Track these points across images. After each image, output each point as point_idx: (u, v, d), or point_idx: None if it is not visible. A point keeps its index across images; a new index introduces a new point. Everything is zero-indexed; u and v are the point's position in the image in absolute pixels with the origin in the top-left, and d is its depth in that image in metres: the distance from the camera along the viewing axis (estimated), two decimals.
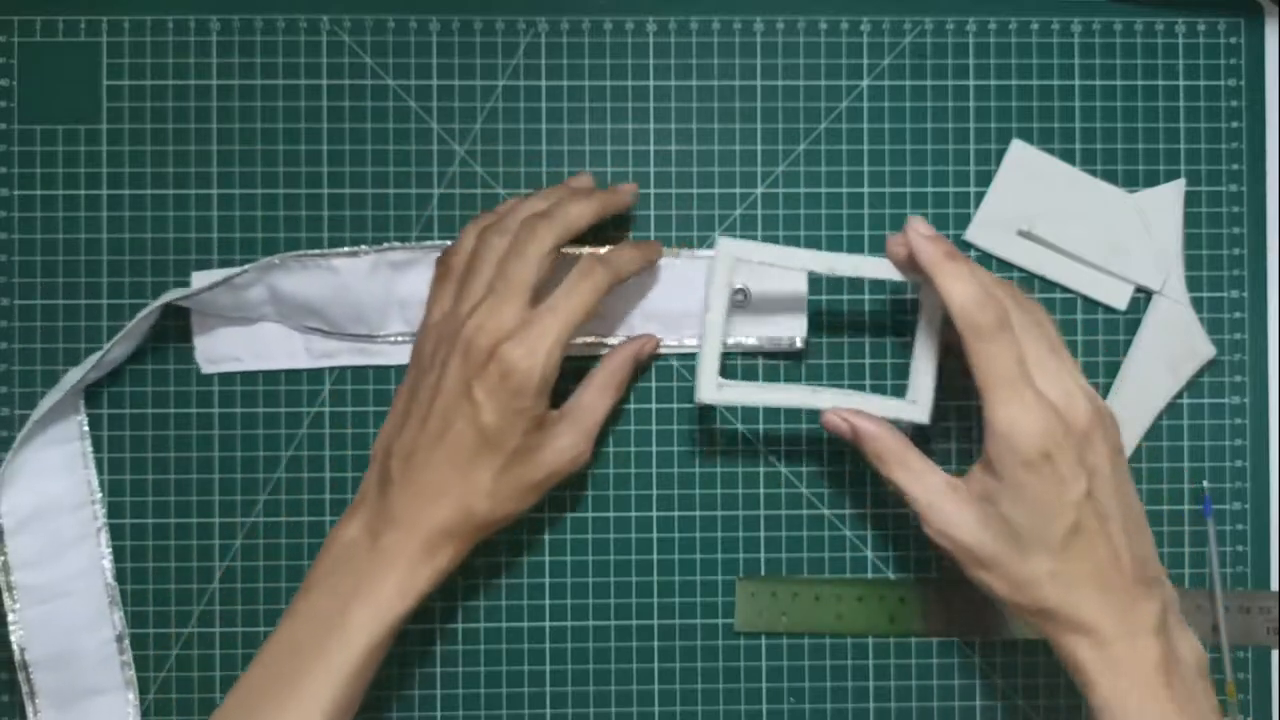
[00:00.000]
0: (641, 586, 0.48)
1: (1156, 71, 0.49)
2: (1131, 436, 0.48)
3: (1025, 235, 0.48)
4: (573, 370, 0.45)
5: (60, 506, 0.46)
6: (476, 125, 0.48)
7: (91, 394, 0.47)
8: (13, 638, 0.45)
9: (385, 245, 0.47)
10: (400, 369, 0.48)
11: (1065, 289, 0.49)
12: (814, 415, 0.48)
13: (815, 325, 0.48)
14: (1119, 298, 0.49)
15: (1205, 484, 0.49)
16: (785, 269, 0.44)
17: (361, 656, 0.40)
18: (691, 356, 0.48)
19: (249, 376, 0.48)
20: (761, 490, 0.48)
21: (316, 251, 0.46)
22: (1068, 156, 0.49)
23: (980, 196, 0.49)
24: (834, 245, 0.48)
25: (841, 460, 0.48)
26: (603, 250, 0.45)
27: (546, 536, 0.48)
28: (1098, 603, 0.38)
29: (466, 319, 0.41)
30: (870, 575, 0.49)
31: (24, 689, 0.45)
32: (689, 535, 0.48)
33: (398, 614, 0.41)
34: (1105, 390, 0.49)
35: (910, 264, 0.41)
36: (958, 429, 0.48)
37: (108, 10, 0.48)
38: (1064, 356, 0.40)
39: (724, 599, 0.48)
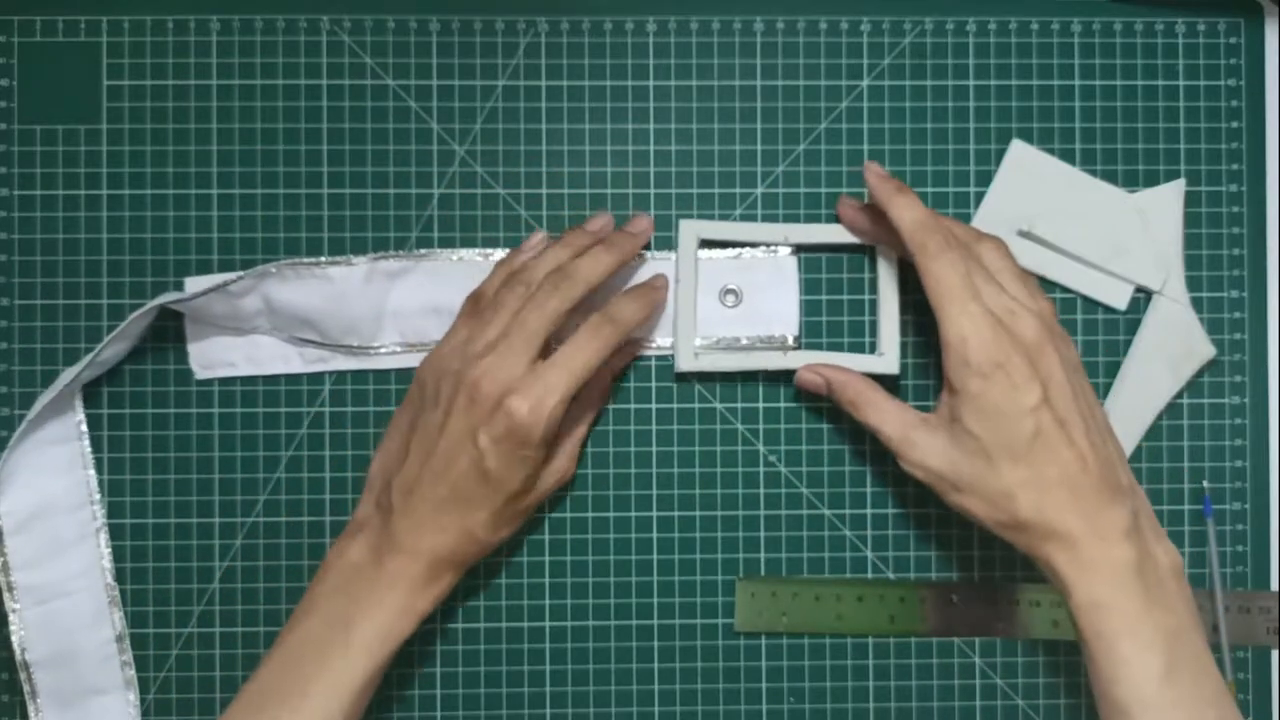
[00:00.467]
0: (641, 586, 0.48)
1: (1156, 71, 0.49)
2: (1131, 436, 0.48)
3: (1025, 235, 0.48)
4: None
5: (60, 506, 0.46)
6: (476, 125, 0.48)
7: (91, 394, 0.47)
8: (13, 638, 0.45)
9: (379, 254, 0.47)
10: (398, 373, 0.48)
11: (1065, 289, 0.49)
12: (814, 416, 0.48)
13: (808, 324, 0.48)
14: (1119, 298, 0.49)
15: (1205, 484, 0.49)
16: (749, 245, 0.47)
17: (365, 675, 0.41)
18: None
19: (249, 377, 0.48)
20: (761, 490, 0.48)
21: (310, 260, 0.46)
22: (1068, 156, 0.49)
23: (980, 196, 0.49)
24: None
25: (841, 460, 0.48)
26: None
27: (546, 536, 0.48)
28: (1068, 508, 0.40)
29: (475, 360, 0.41)
30: (870, 575, 0.49)
31: (24, 689, 0.45)
32: (689, 535, 0.48)
33: (400, 634, 0.42)
34: (1105, 390, 0.49)
35: (857, 224, 0.46)
36: (935, 387, 0.48)
37: (108, 10, 0.48)
38: (1013, 277, 0.42)
39: (724, 599, 0.48)
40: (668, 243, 0.48)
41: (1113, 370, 0.49)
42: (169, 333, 0.48)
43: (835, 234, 0.48)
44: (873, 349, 0.48)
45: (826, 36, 0.49)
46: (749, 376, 0.48)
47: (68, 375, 0.45)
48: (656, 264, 0.48)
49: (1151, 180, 0.49)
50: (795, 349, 0.48)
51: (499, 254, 0.47)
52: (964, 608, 0.48)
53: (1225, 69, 0.49)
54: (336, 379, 0.48)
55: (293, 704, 0.40)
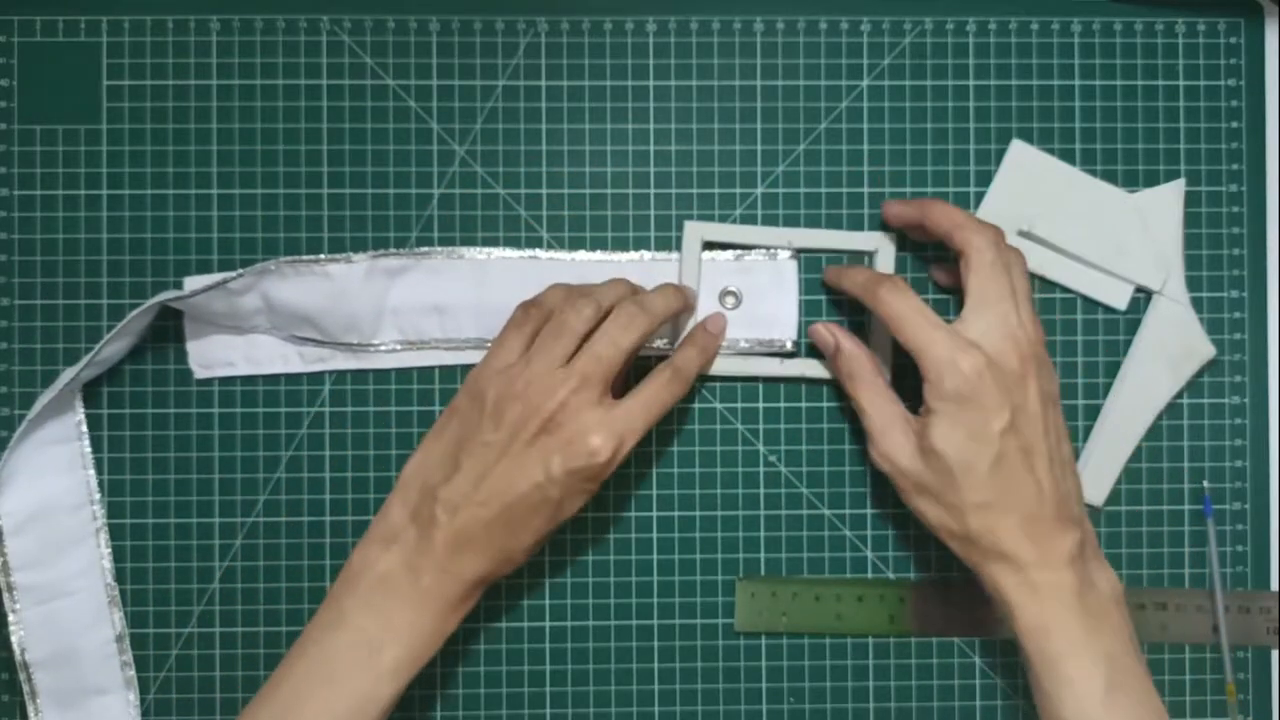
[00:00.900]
0: (641, 586, 0.48)
1: (1156, 71, 0.49)
2: (1131, 436, 0.48)
3: (1025, 235, 0.48)
4: None
5: (60, 506, 0.46)
6: (476, 125, 0.48)
7: (91, 394, 0.47)
8: (13, 638, 0.45)
9: (379, 252, 0.47)
10: (398, 373, 0.48)
11: (1065, 289, 0.49)
12: (814, 415, 0.48)
13: (806, 326, 0.48)
14: (1119, 298, 0.49)
15: (1205, 484, 0.49)
16: (752, 248, 0.47)
17: (391, 699, 0.41)
18: None
19: (249, 377, 0.48)
20: (761, 490, 0.48)
21: (310, 258, 0.46)
22: (1068, 156, 0.49)
23: (980, 196, 0.49)
24: None
25: (841, 460, 0.48)
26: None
27: None
28: (1019, 533, 0.41)
29: (548, 391, 0.41)
30: (870, 575, 0.49)
31: (24, 689, 0.45)
32: (689, 535, 0.48)
33: (428, 657, 0.42)
34: (1105, 390, 0.49)
35: (906, 217, 0.46)
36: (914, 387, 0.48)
37: (108, 10, 0.48)
38: (1021, 298, 0.42)
39: (724, 599, 0.48)
40: (668, 243, 0.48)
41: (1113, 370, 0.49)
42: (169, 332, 0.48)
43: (838, 239, 0.48)
44: None
45: (826, 36, 0.49)
46: (749, 377, 0.48)
47: (68, 375, 0.45)
48: (657, 265, 0.48)
49: (1151, 180, 0.49)
50: (793, 355, 0.48)
51: (499, 253, 0.48)
52: (964, 608, 0.48)
53: (1225, 69, 0.49)
54: (336, 379, 0.48)
55: (315, 717, 0.40)
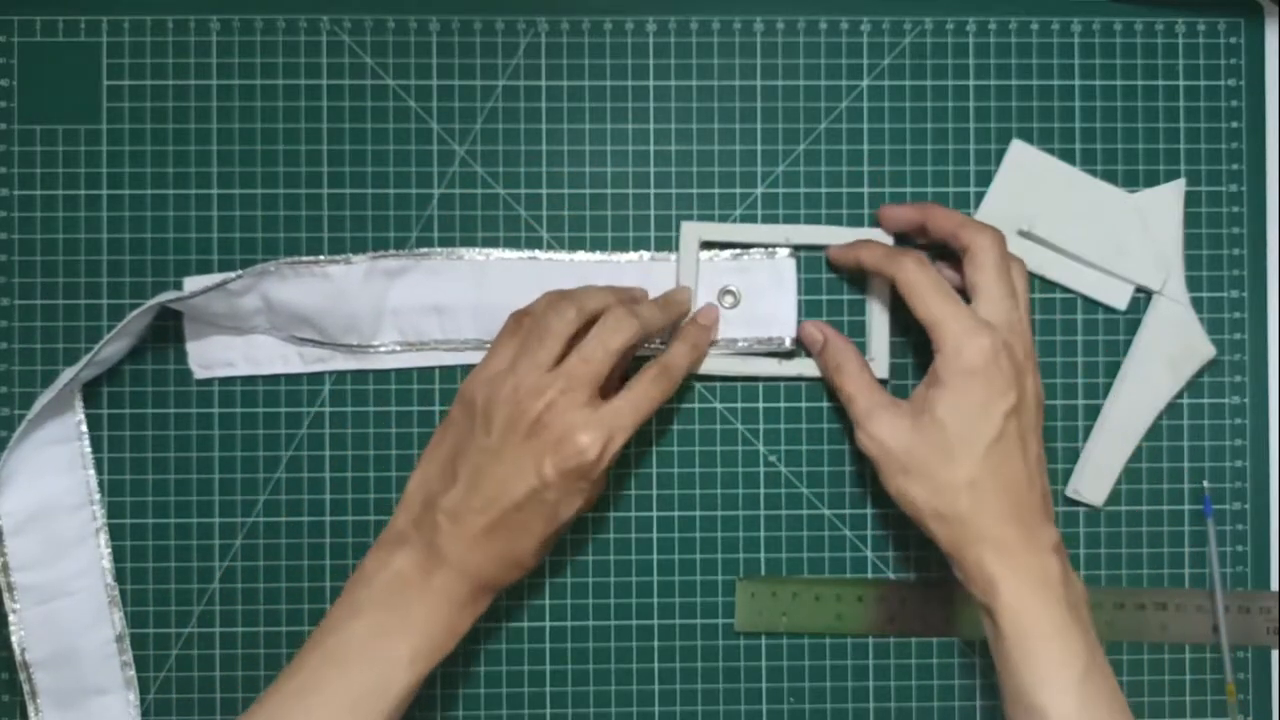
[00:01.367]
0: (641, 586, 0.48)
1: (1156, 71, 0.49)
2: (1132, 436, 0.48)
3: (1025, 235, 0.48)
4: None
5: (60, 506, 0.46)
6: (476, 125, 0.48)
7: (91, 394, 0.47)
8: (13, 638, 0.45)
9: (379, 253, 0.47)
10: (398, 373, 0.48)
11: (1065, 289, 0.49)
12: (814, 415, 0.48)
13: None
14: (1119, 298, 0.49)
15: (1205, 484, 0.49)
16: (750, 247, 0.47)
17: (406, 688, 0.41)
18: None
19: (248, 377, 0.48)
20: (761, 490, 0.48)
21: (310, 259, 0.46)
22: (1068, 156, 0.49)
23: (980, 196, 0.49)
24: None
25: (841, 460, 0.48)
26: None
27: None
28: (1006, 516, 0.41)
29: (536, 393, 0.41)
30: (870, 575, 0.49)
31: (24, 689, 0.45)
32: (689, 535, 0.48)
33: (442, 653, 0.42)
34: (1105, 390, 0.49)
35: (900, 219, 0.47)
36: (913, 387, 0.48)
37: (108, 10, 0.48)
38: (1021, 299, 0.43)
39: (724, 599, 0.48)
40: (668, 243, 0.48)
41: (1113, 370, 0.49)
42: (169, 332, 0.48)
43: (836, 236, 0.48)
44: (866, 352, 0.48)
45: (826, 36, 0.49)
46: (749, 377, 0.48)
47: (67, 375, 0.45)
48: (657, 265, 0.48)
49: (1151, 180, 0.49)
50: (792, 355, 0.48)
51: (498, 254, 0.48)
52: (964, 608, 0.48)
53: (1225, 69, 0.49)
54: (336, 379, 0.48)
55: (332, 701, 0.40)
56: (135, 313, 0.45)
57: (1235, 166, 0.49)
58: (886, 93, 0.49)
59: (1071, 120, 0.49)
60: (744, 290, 0.48)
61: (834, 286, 0.49)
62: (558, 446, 0.41)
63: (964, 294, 0.43)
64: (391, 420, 0.48)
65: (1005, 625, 0.40)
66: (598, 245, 0.48)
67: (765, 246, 0.48)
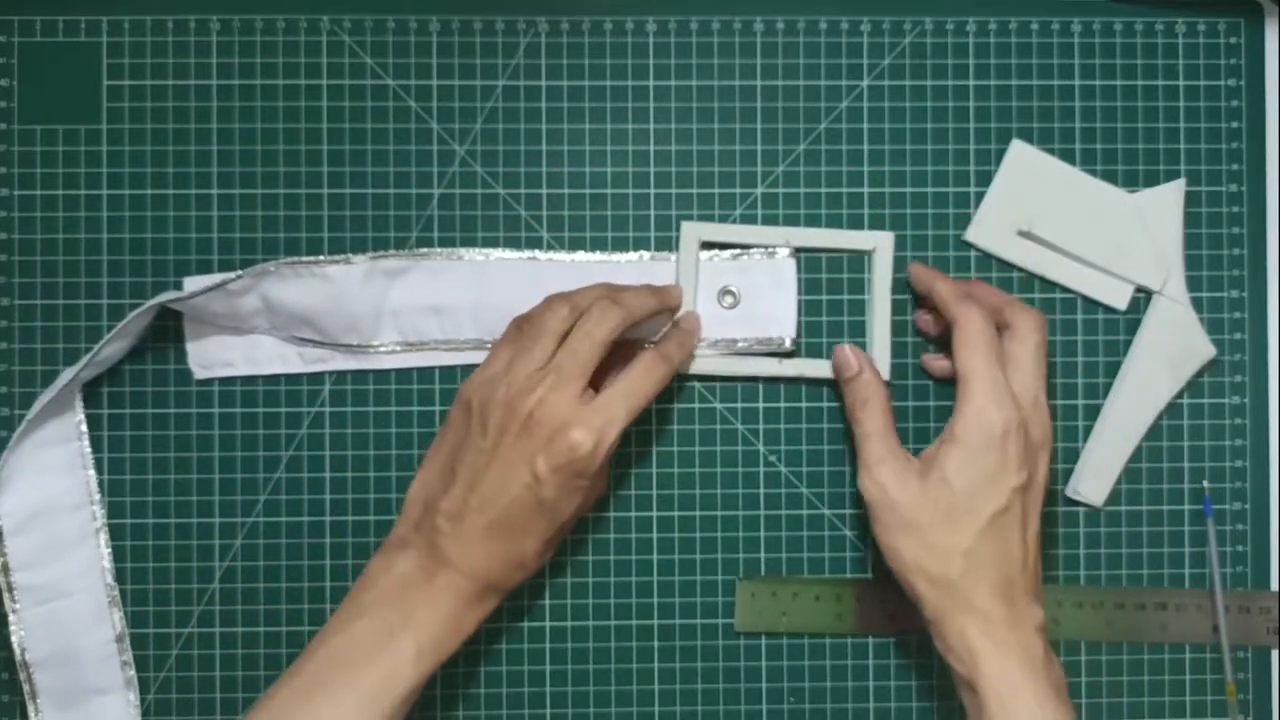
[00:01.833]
0: (641, 586, 0.48)
1: (1156, 71, 0.49)
2: (1132, 436, 0.48)
3: (1025, 235, 0.48)
4: None
5: (60, 506, 0.46)
6: (476, 125, 0.48)
7: (91, 394, 0.47)
8: (13, 638, 0.45)
9: (379, 253, 0.47)
10: (398, 373, 0.48)
11: (1065, 289, 0.49)
12: (814, 415, 0.48)
13: (805, 325, 0.48)
14: (1119, 298, 0.49)
15: (1205, 484, 0.49)
16: (750, 248, 0.47)
17: (410, 685, 0.41)
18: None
19: (248, 377, 0.48)
20: (761, 490, 0.48)
21: (310, 259, 0.46)
22: (1068, 156, 0.49)
23: (980, 196, 0.49)
24: None
25: (841, 460, 0.48)
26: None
27: None
28: (997, 591, 0.41)
29: (527, 389, 0.41)
30: (870, 575, 0.49)
31: (25, 689, 0.45)
32: (689, 535, 0.48)
33: (447, 651, 0.42)
34: (1105, 390, 0.49)
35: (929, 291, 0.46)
36: (921, 388, 0.48)
37: (108, 10, 0.48)
38: (1043, 371, 0.43)
39: (724, 599, 0.48)
40: (668, 243, 0.48)
41: (1113, 370, 0.49)
42: (169, 332, 0.48)
43: (836, 238, 0.48)
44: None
45: (826, 36, 0.49)
46: (748, 377, 0.48)
47: (67, 375, 0.45)
48: (657, 265, 0.48)
49: (1151, 180, 0.49)
50: (793, 354, 0.48)
51: (498, 254, 0.48)
52: None
53: (1225, 69, 0.49)
54: (336, 379, 0.48)
55: (338, 698, 0.40)
56: (135, 313, 0.45)
57: (1235, 166, 0.49)
58: (886, 93, 0.49)
59: (1071, 120, 0.49)
60: (744, 290, 0.48)
61: (834, 286, 0.49)
62: (550, 443, 0.41)
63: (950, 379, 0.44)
64: (391, 420, 0.48)
65: (990, 699, 0.40)
66: (598, 245, 0.48)
67: (765, 247, 0.48)
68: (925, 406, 0.48)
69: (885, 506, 0.42)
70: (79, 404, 0.47)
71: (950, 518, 0.41)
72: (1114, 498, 0.49)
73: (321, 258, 0.47)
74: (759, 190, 0.49)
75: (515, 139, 0.48)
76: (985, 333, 0.43)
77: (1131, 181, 0.49)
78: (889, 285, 0.48)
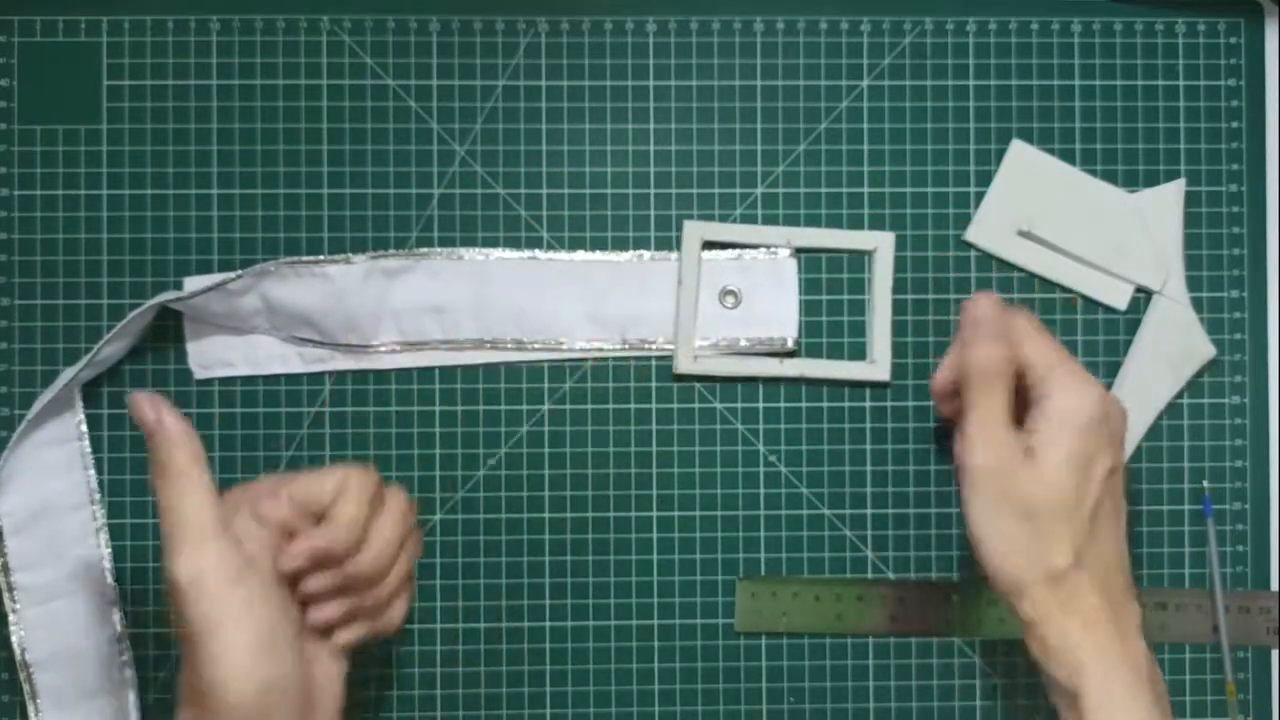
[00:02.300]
0: (641, 586, 0.48)
1: (1156, 71, 0.49)
2: (1132, 436, 0.48)
3: (1025, 235, 0.48)
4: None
5: (60, 506, 0.46)
6: (476, 125, 0.48)
7: (91, 394, 0.47)
8: (13, 638, 0.45)
9: (379, 252, 0.47)
10: (398, 373, 0.48)
11: (1065, 289, 0.49)
12: (814, 415, 0.48)
13: (805, 325, 0.48)
14: (1119, 298, 0.49)
15: (1205, 484, 0.49)
16: (752, 247, 0.47)
17: None
18: None
19: (248, 377, 0.48)
20: (761, 490, 0.48)
21: (310, 259, 0.46)
22: (1068, 156, 0.49)
23: (980, 196, 0.49)
24: None
25: (841, 460, 0.48)
26: None
27: (547, 536, 0.48)
28: (1098, 588, 0.38)
29: None
30: (870, 575, 0.49)
31: (24, 689, 0.45)
32: (689, 535, 0.48)
33: None
34: None
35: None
36: (921, 388, 0.48)
37: (108, 10, 0.48)
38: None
39: (724, 599, 0.48)
40: (668, 243, 0.48)
41: (1113, 370, 0.49)
42: (169, 332, 0.48)
43: (838, 238, 0.48)
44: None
45: (826, 36, 0.49)
46: (748, 377, 0.48)
47: (67, 375, 0.45)
48: (657, 265, 0.48)
49: (1151, 180, 0.49)
50: (793, 354, 0.48)
51: (499, 254, 0.48)
52: (964, 607, 0.48)
53: (1225, 69, 0.49)
54: (336, 379, 0.48)
55: None
56: (135, 313, 0.45)
57: (1235, 166, 0.49)
58: (886, 93, 0.49)
59: (1071, 120, 0.49)
60: (745, 290, 0.48)
61: (834, 286, 0.49)
62: None
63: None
64: (391, 420, 0.48)
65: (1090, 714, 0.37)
66: (598, 245, 0.48)
67: (767, 247, 0.48)
68: (924, 406, 0.48)
69: (998, 478, 0.38)
70: (79, 404, 0.47)
71: (1061, 504, 0.38)
72: None
73: (321, 258, 0.47)
74: (759, 190, 0.49)
75: (515, 139, 0.48)
76: (1042, 327, 0.40)
77: (1131, 181, 0.49)
78: (889, 285, 0.48)
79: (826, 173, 0.49)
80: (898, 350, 0.48)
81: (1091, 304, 0.49)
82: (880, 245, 0.48)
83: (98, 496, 0.47)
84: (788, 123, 0.49)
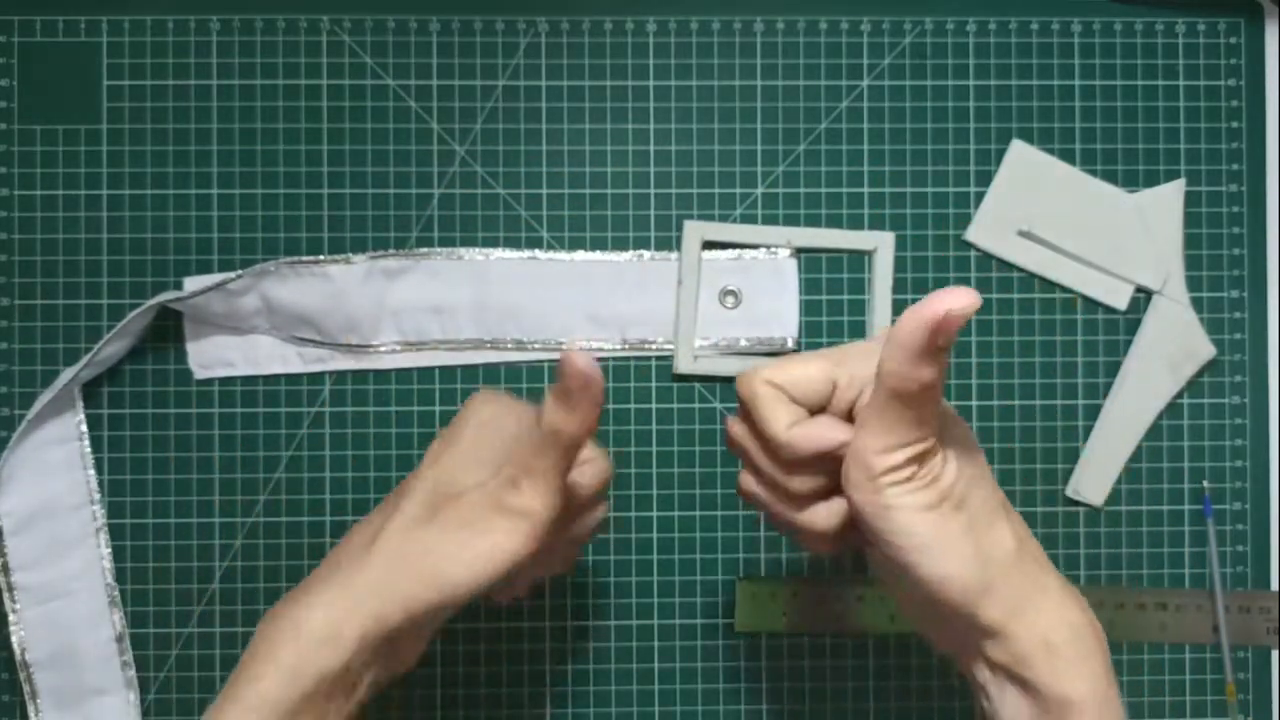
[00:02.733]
0: (641, 586, 0.48)
1: (1156, 71, 0.49)
2: (1132, 436, 0.48)
3: (1025, 235, 0.48)
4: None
5: (60, 506, 0.46)
6: (476, 125, 0.48)
7: (91, 394, 0.47)
8: (13, 638, 0.45)
9: (378, 253, 0.47)
10: (398, 373, 0.48)
11: (1065, 289, 0.49)
12: None
13: (805, 325, 0.48)
14: (1119, 298, 0.49)
15: (1205, 484, 0.49)
16: (752, 247, 0.47)
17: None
18: None
19: (248, 377, 0.48)
20: None
21: (310, 259, 0.46)
22: (1068, 156, 0.49)
23: (980, 196, 0.49)
24: None
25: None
26: None
27: None
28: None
29: None
30: (869, 575, 0.49)
31: (24, 689, 0.45)
32: (689, 535, 0.48)
33: None
34: (1105, 390, 0.49)
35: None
36: None
37: (108, 10, 0.48)
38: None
39: (724, 599, 0.48)
40: (668, 243, 0.48)
41: (1113, 370, 0.49)
42: (169, 332, 0.48)
43: (838, 238, 0.48)
44: None
45: (826, 36, 0.49)
46: None
47: (67, 375, 0.45)
48: (657, 265, 0.48)
49: (1151, 180, 0.49)
50: (794, 349, 0.48)
51: (499, 254, 0.48)
52: None
53: (1225, 69, 0.49)
54: (336, 379, 0.48)
55: None
56: (135, 313, 0.45)
57: (1235, 166, 0.49)
58: (886, 93, 0.49)
59: (1071, 120, 0.49)
60: (745, 290, 0.48)
61: (834, 286, 0.49)
62: None
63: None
64: (391, 420, 0.48)
65: None
66: (598, 245, 0.48)
67: (767, 247, 0.48)
68: None
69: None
70: (79, 404, 0.47)
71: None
72: (1114, 498, 0.49)
73: (321, 258, 0.47)
74: (759, 190, 0.49)
75: (515, 139, 0.48)
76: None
77: (1131, 181, 0.49)
78: (889, 285, 0.48)
79: (826, 173, 0.49)
80: None
81: (1091, 304, 0.49)
82: (880, 245, 0.48)
83: (98, 496, 0.47)
84: (788, 123, 0.49)
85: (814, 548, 0.36)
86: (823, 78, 0.49)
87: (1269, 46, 0.49)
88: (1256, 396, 0.49)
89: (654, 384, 0.48)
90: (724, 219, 0.48)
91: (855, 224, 0.48)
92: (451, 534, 0.34)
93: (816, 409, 0.34)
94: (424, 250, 0.47)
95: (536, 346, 0.48)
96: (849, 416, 0.34)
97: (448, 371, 0.48)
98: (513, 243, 0.48)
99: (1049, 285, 0.49)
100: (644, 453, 0.48)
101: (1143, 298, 0.49)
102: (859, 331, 0.48)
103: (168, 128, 0.48)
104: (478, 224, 0.48)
